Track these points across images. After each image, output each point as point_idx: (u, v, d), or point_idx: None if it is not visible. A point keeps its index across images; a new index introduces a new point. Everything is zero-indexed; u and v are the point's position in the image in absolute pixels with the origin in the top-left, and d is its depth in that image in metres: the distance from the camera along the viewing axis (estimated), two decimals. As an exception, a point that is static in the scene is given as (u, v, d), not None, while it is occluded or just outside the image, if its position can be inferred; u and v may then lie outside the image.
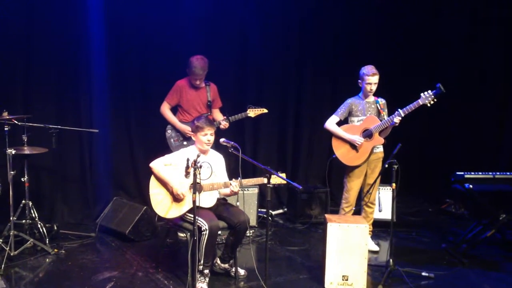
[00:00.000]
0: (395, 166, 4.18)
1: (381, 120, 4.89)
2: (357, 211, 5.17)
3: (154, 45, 6.03)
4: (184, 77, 5.41)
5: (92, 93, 5.85)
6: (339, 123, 5.04)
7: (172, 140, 5.40)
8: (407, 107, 4.76)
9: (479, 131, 6.78)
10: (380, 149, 5.06)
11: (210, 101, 5.41)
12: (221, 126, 5.35)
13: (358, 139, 4.92)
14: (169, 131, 5.43)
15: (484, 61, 6.78)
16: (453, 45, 6.96)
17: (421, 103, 4.75)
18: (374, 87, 4.93)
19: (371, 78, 4.89)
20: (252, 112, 5.42)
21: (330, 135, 5.08)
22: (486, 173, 4.85)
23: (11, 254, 4.50)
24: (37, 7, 5.51)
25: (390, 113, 4.89)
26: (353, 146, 4.95)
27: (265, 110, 5.49)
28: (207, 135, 4.17)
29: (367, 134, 4.93)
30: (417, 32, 7.08)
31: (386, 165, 4.25)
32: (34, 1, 5.49)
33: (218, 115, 5.48)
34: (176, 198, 4.11)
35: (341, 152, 4.99)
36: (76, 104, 5.82)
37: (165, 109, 5.41)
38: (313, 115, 6.84)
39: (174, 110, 5.47)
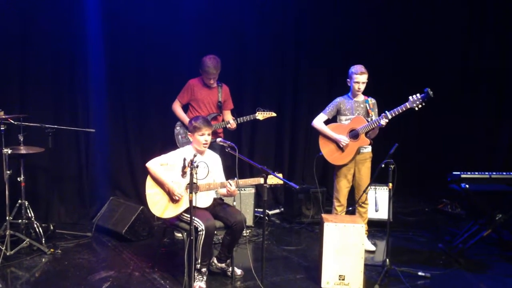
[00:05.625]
0: (392, 166, 4.19)
1: (368, 121, 4.88)
2: (352, 211, 5.17)
3: (151, 45, 6.03)
4: (197, 76, 5.40)
5: (88, 92, 5.84)
6: (328, 122, 5.03)
7: (180, 136, 5.38)
8: (395, 109, 4.71)
9: (476, 131, 6.80)
10: (367, 150, 5.03)
11: (220, 101, 5.40)
12: (228, 126, 5.34)
13: (343, 139, 4.91)
14: (178, 128, 5.42)
15: (480, 62, 6.80)
16: (448, 47, 6.98)
17: (408, 107, 4.68)
18: (362, 86, 4.91)
19: (359, 76, 4.87)
20: (260, 115, 5.41)
21: (319, 133, 5.07)
22: (483, 173, 4.85)
23: (7, 253, 4.49)
24: (33, 5, 5.48)
25: (381, 113, 4.83)
26: (339, 145, 4.94)
27: (274, 114, 5.49)
28: (204, 135, 4.16)
29: (353, 135, 4.92)
30: (415, 32, 7.10)
31: (383, 165, 4.24)
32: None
33: (228, 117, 5.46)
34: (173, 198, 4.11)
35: (327, 150, 5.00)
36: (73, 104, 5.82)
37: (176, 107, 5.42)
38: (309, 115, 6.80)
39: (185, 108, 5.46)
